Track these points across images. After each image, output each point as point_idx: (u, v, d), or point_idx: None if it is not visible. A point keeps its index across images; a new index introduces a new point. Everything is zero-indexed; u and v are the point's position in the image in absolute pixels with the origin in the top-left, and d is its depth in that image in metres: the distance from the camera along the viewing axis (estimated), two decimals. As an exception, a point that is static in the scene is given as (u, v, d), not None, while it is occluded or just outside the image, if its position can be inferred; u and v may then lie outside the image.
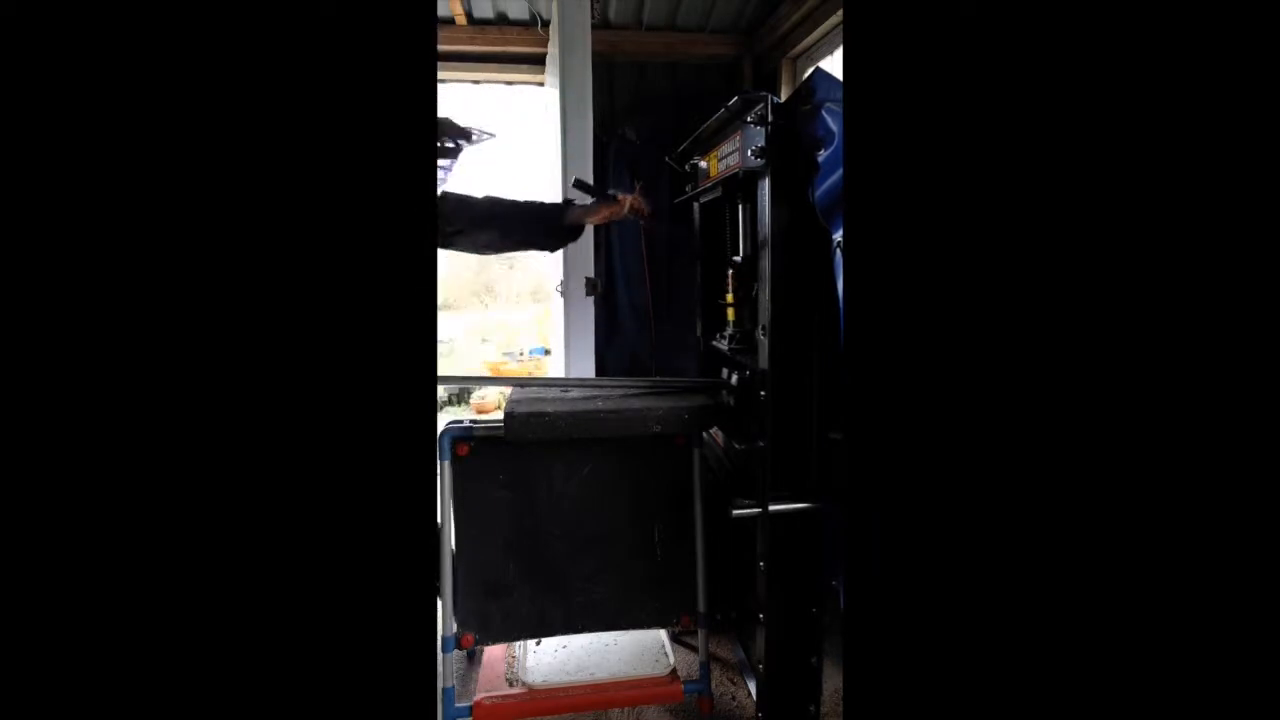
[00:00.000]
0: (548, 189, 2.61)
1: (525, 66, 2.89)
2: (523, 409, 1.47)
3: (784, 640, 1.41)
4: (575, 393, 1.66)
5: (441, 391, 5.29)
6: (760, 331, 1.34)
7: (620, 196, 1.57)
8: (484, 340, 8.62)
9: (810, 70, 1.52)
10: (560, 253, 2.30)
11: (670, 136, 1.99)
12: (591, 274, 2.22)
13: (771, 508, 1.33)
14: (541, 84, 2.90)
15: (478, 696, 1.53)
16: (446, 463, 1.47)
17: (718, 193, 1.65)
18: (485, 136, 1.40)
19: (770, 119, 1.26)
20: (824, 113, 1.19)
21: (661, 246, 2.79)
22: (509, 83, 3.03)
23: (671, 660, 1.74)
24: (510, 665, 1.77)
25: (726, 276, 1.65)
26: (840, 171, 1.15)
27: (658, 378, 1.85)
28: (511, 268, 13.27)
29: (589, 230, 2.24)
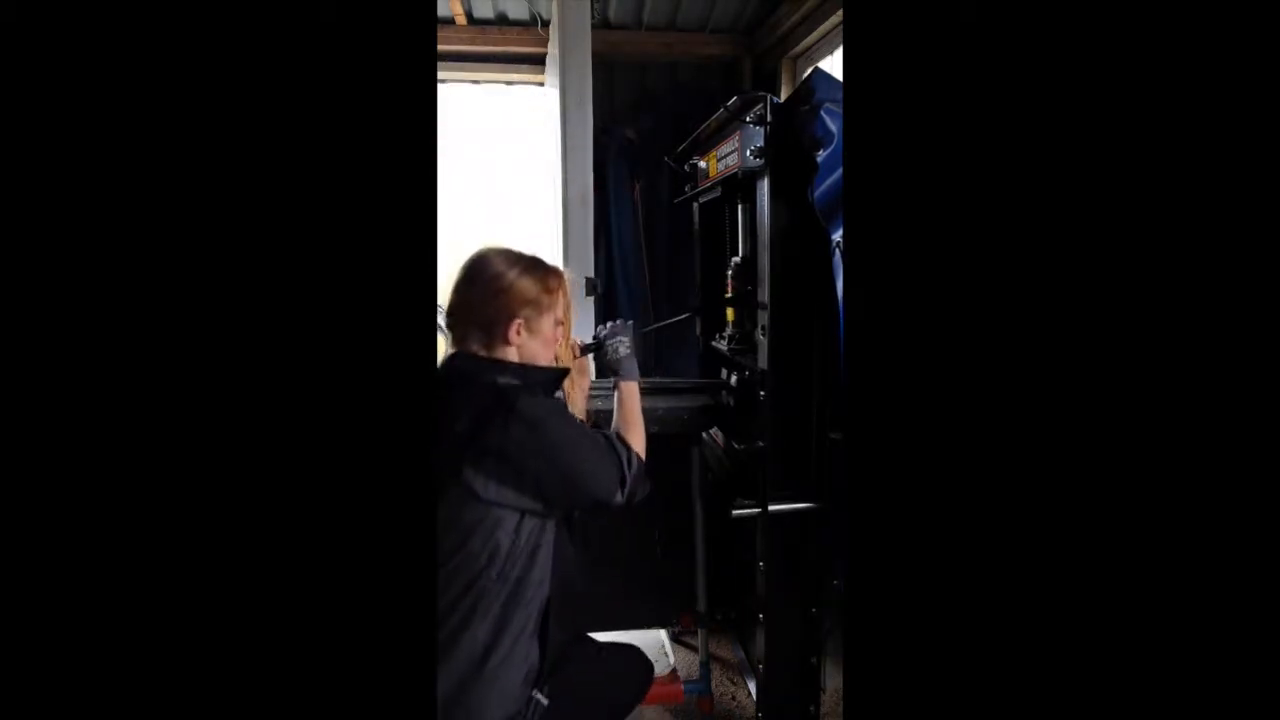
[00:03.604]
0: (546, 190, 2.61)
1: (525, 66, 2.89)
2: (523, 409, 1.46)
3: (784, 640, 1.41)
4: (575, 393, 1.66)
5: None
6: (760, 331, 1.34)
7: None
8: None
9: (810, 70, 1.52)
10: (560, 253, 2.30)
11: (670, 136, 1.99)
12: (591, 274, 2.22)
13: (771, 508, 1.33)
14: (541, 84, 2.90)
15: (478, 696, 1.52)
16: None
17: (717, 193, 1.65)
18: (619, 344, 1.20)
19: (769, 119, 1.26)
20: (824, 113, 1.19)
21: (661, 246, 2.79)
22: (509, 83, 3.03)
23: (671, 660, 1.74)
24: (510, 665, 1.76)
25: (726, 276, 1.65)
26: (840, 171, 1.15)
27: (658, 378, 1.85)
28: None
29: (588, 230, 2.24)
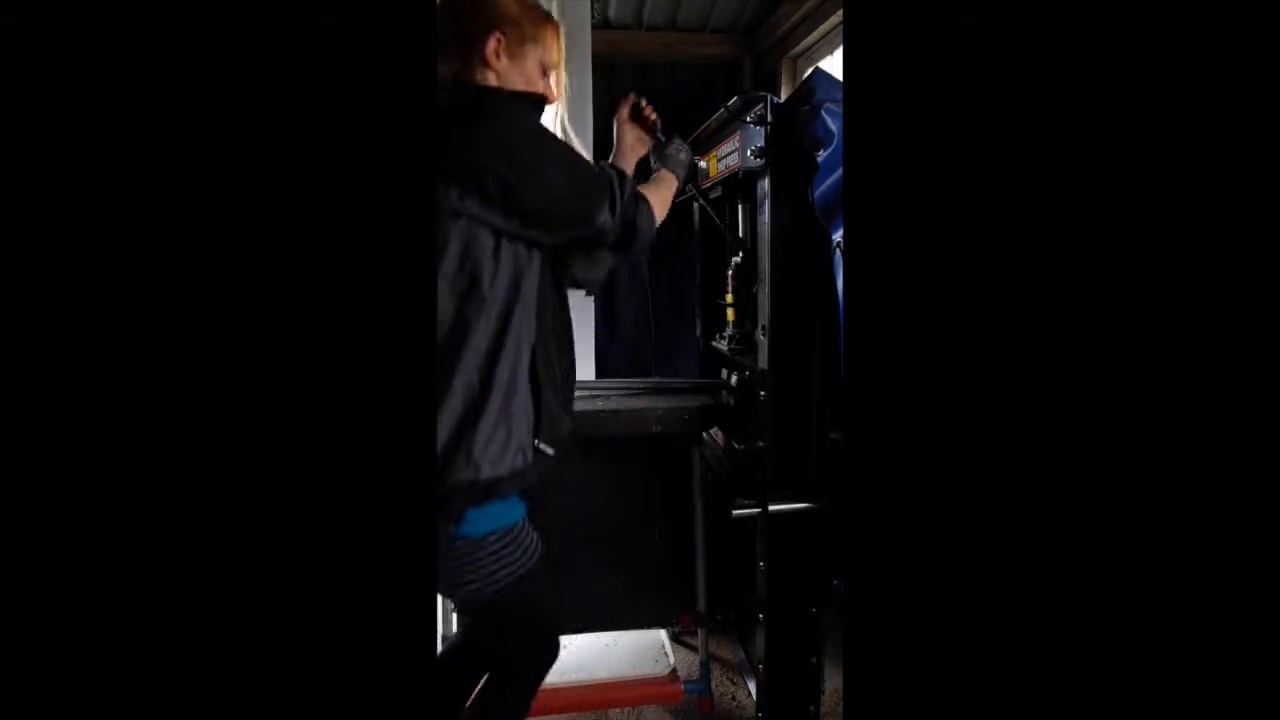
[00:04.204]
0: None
1: (525, 66, 2.88)
2: (523, 409, 1.46)
3: (784, 640, 1.41)
4: (575, 393, 1.66)
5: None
6: (760, 331, 1.34)
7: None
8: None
9: (810, 70, 1.52)
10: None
11: (670, 136, 1.99)
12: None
13: (771, 508, 1.33)
14: (541, 84, 2.89)
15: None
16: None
17: (717, 192, 1.65)
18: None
19: (770, 119, 1.26)
20: (824, 113, 1.19)
21: (661, 246, 2.79)
22: (509, 83, 3.02)
23: (671, 660, 1.74)
24: (510, 665, 1.76)
25: (726, 276, 1.65)
26: (840, 171, 1.15)
27: (658, 378, 1.85)
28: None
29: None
